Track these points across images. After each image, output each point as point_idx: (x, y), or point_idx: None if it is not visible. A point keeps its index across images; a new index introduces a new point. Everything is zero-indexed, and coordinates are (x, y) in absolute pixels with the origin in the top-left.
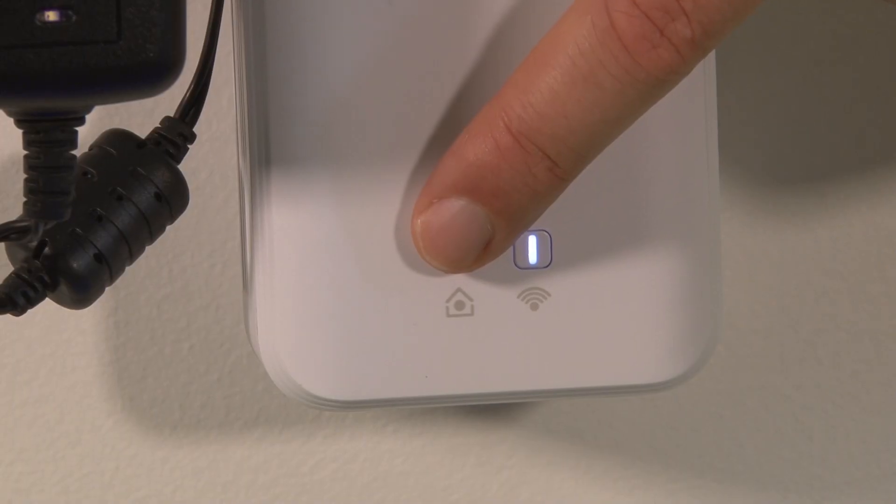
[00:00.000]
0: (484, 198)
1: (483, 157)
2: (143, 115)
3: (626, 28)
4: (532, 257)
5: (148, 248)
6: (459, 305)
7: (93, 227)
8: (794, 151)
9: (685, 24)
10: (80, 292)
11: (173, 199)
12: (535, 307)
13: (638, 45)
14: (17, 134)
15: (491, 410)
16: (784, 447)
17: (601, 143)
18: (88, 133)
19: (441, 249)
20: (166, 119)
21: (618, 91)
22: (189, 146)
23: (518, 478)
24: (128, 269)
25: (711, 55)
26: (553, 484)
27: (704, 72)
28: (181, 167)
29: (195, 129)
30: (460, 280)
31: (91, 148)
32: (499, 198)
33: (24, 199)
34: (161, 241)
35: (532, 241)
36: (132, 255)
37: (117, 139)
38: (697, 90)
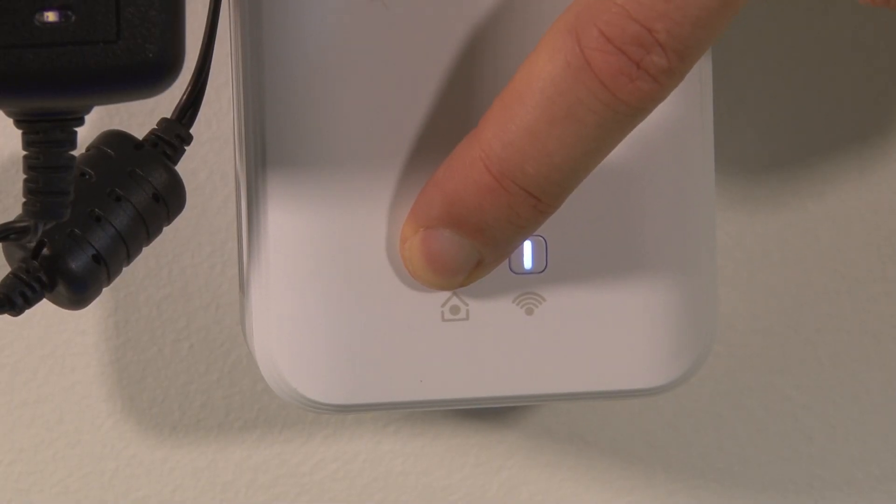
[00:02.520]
0: (469, 232)
1: (465, 196)
2: (143, 115)
3: (603, 66)
4: (527, 262)
5: (149, 249)
6: (455, 310)
7: (91, 227)
8: (794, 151)
9: (661, 55)
10: (78, 293)
11: (170, 200)
12: (530, 312)
13: (616, 80)
14: (17, 134)
15: (490, 411)
16: (784, 447)
17: (584, 173)
18: (88, 133)
19: (431, 273)
20: (163, 121)
21: (598, 125)
22: (186, 147)
23: (518, 478)
24: (128, 269)
25: (707, 57)
26: (553, 484)
27: (700, 74)
28: (178, 168)
29: (194, 130)
30: None
31: (88, 149)
32: (484, 233)
33: (24, 200)
34: (161, 241)
35: (527, 246)
36: (129, 257)
37: (114, 140)
38: (693, 93)
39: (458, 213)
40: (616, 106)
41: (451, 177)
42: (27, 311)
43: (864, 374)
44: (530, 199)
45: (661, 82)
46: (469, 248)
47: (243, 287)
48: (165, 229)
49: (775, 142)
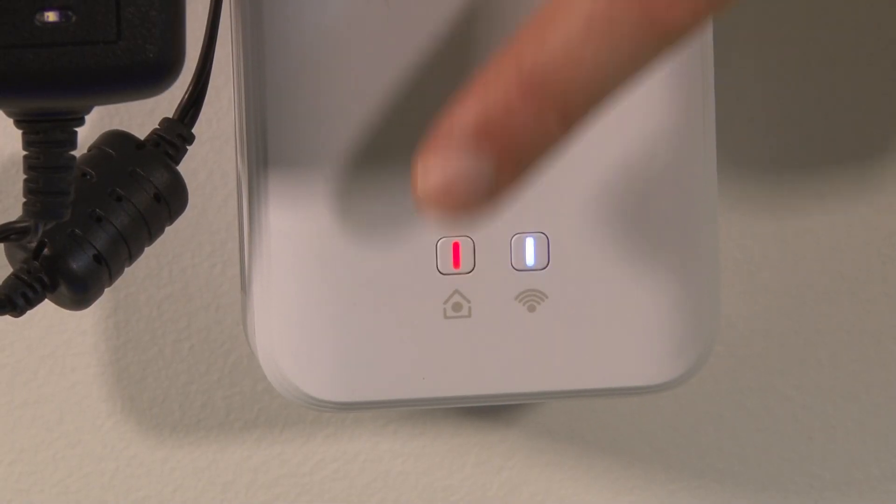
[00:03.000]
0: (492, 143)
1: (494, 103)
2: (143, 115)
3: None
4: (529, 259)
5: (148, 249)
6: (457, 307)
7: (92, 227)
8: (794, 151)
9: None
10: (79, 293)
11: (172, 199)
12: (532, 309)
13: (654, 3)
14: (17, 134)
15: (491, 411)
16: (784, 447)
17: (611, 94)
18: (88, 134)
19: (443, 195)
20: (165, 120)
21: (631, 47)
22: (188, 147)
23: (518, 478)
24: (128, 269)
25: (710, 56)
26: (553, 484)
27: (703, 73)
28: (180, 168)
29: (195, 129)
30: (458, 282)
31: (90, 149)
32: (508, 144)
33: (24, 200)
34: (161, 241)
35: (529, 243)
36: (131, 256)
37: (116, 140)
38: (695, 92)
39: (485, 121)
40: (651, 30)
41: (482, 86)
42: (28, 312)
43: (864, 374)
44: (558, 106)
45: (698, 9)
46: (488, 164)
47: (245, 286)
48: (166, 229)
49: (775, 142)
